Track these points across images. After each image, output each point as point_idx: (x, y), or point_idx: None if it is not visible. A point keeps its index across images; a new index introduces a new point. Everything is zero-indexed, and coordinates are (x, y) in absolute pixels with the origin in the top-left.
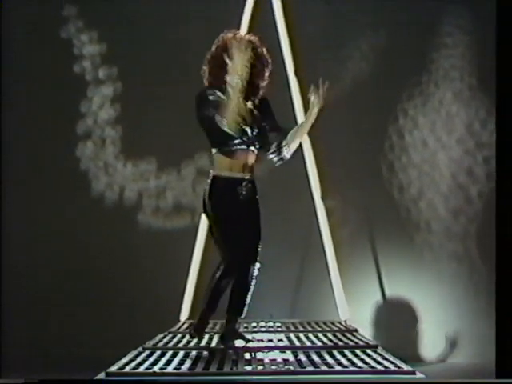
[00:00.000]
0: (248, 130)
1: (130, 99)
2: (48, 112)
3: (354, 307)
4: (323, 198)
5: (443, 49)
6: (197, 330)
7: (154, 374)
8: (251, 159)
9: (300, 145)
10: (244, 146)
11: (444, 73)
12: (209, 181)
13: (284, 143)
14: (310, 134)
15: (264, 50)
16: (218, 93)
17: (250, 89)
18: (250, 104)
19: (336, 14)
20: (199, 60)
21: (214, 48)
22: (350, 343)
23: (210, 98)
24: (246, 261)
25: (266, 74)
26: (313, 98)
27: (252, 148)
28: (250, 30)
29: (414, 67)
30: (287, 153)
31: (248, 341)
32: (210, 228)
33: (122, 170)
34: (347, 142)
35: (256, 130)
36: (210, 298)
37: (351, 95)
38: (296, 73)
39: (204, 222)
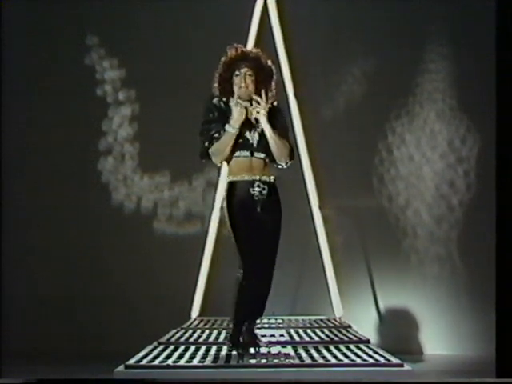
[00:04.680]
0: (250, 138)
1: (147, 119)
2: (73, 130)
3: (348, 305)
4: (320, 206)
5: (427, 74)
6: (232, 341)
7: (168, 366)
8: (259, 164)
9: (299, 159)
10: (248, 154)
11: (428, 95)
12: (226, 188)
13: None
14: (308, 149)
15: (268, 61)
16: (223, 101)
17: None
18: (254, 113)
19: (331, 43)
20: (209, 83)
21: (220, 64)
22: (345, 338)
23: (215, 104)
24: (266, 265)
25: (272, 84)
26: (257, 109)
27: (256, 155)
28: None
29: (401, 90)
30: (277, 161)
31: (259, 346)
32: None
33: (139, 182)
34: (341, 157)
35: (256, 139)
36: (234, 314)
37: (344, 115)
38: (295, 95)
39: (213, 228)
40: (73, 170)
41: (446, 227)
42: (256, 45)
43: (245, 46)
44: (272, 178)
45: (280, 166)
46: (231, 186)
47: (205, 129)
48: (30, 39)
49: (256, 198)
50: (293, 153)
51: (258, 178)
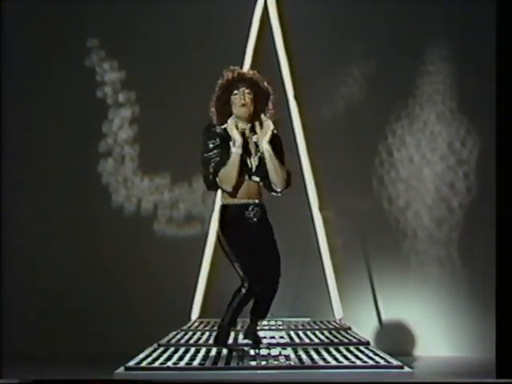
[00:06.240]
0: (249, 163)
1: (146, 120)
2: (73, 132)
3: (348, 307)
4: (320, 208)
5: (427, 75)
6: (219, 342)
7: (168, 368)
8: (254, 187)
9: (299, 161)
10: (246, 177)
11: (428, 97)
12: (219, 211)
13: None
14: (308, 150)
15: (264, 82)
16: (222, 128)
17: (255, 119)
18: (255, 138)
19: (331, 44)
20: (209, 85)
21: (217, 87)
22: (345, 340)
23: (216, 131)
24: (268, 278)
25: (270, 105)
26: (258, 136)
27: (253, 179)
28: (254, 60)
29: (401, 92)
30: (276, 187)
31: (258, 345)
32: (227, 256)
33: (139, 184)
34: (341, 159)
35: (256, 163)
36: (231, 317)
37: (344, 116)
38: (295, 96)
39: (213, 230)
40: (73, 171)
41: (446, 229)
42: (256, 45)
43: (245, 46)
44: (262, 200)
45: (274, 193)
46: (225, 208)
47: (207, 157)
48: (30, 40)
49: (251, 222)
50: (290, 178)
51: (252, 201)
